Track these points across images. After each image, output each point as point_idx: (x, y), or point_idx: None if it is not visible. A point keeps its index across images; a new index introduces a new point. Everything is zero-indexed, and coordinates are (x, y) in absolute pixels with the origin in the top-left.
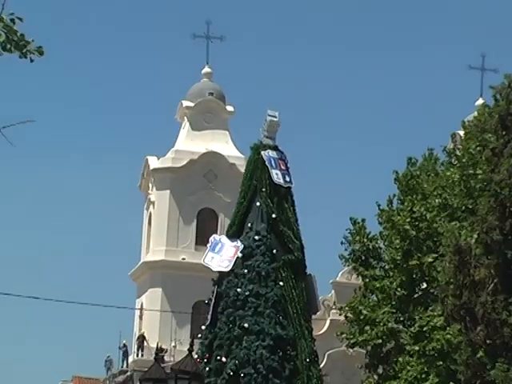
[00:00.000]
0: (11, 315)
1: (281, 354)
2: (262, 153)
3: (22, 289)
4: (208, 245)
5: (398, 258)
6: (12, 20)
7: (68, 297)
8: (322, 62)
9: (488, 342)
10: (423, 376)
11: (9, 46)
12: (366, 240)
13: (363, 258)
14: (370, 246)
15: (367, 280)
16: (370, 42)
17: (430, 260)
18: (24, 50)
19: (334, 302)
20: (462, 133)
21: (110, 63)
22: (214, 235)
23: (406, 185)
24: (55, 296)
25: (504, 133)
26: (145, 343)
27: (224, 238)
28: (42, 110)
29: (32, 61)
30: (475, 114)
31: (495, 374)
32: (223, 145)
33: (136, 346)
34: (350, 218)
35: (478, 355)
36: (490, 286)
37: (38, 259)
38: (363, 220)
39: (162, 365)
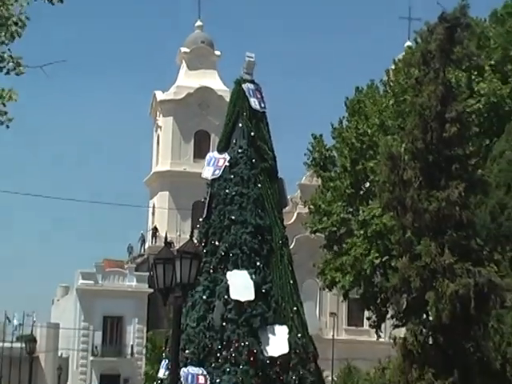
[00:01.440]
0: (60, 215)
1: (260, 238)
2: (243, 85)
3: (68, 193)
4: (205, 162)
5: (348, 164)
6: None
7: (101, 199)
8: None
9: (415, 225)
10: (366, 252)
11: None
12: (323, 150)
13: (321, 164)
14: (327, 155)
15: (324, 181)
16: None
17: (371, 165)
18: None
19: (300, 198)
20: (393, 67)
21: (125, 19)
22: (208, 153)
23: (353, 108)
24: (91, 199)
25: (424, 67)
26: (157, 234)
27: (216, 154)
28: (76, 52)
29: (53, 4)
30: (403, 53)
31: (420, 249)
32: (213, 81)
33: (150, 236)
34: (312, 134)
35: (407, 235)
36: (416, 183)
37: (78, 171)
38: (321, 135)
39: (170, 249)
